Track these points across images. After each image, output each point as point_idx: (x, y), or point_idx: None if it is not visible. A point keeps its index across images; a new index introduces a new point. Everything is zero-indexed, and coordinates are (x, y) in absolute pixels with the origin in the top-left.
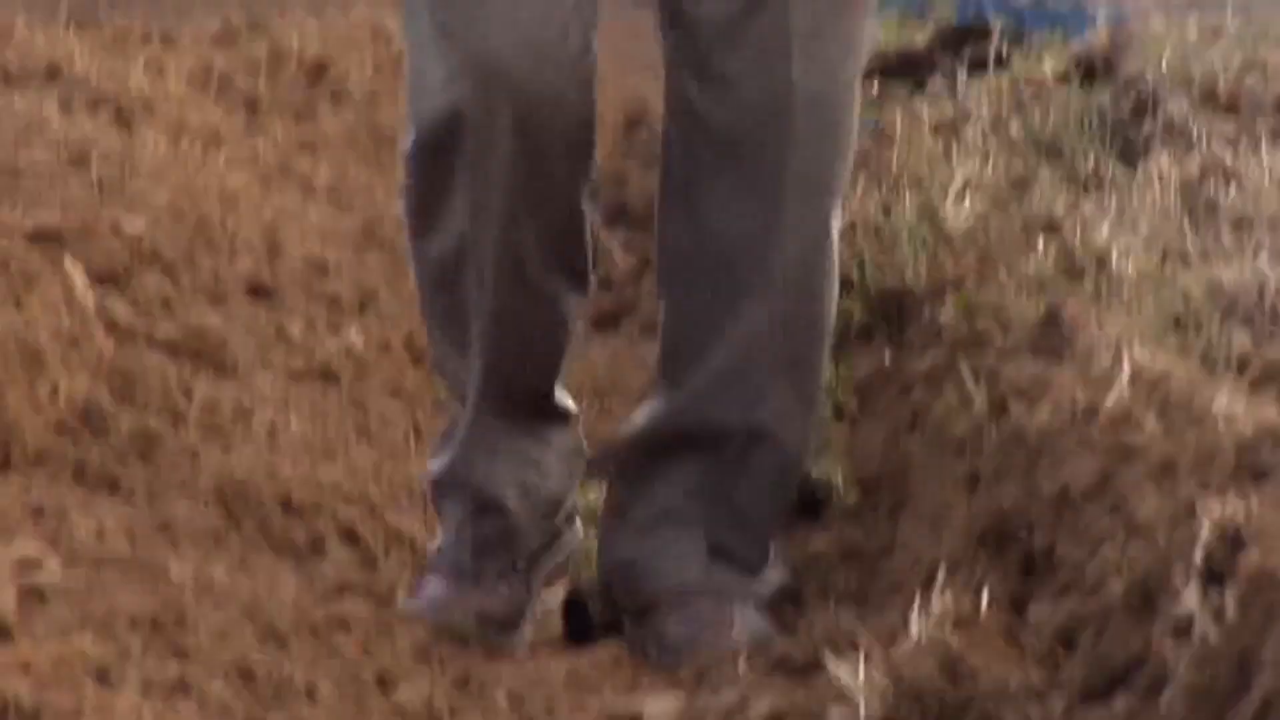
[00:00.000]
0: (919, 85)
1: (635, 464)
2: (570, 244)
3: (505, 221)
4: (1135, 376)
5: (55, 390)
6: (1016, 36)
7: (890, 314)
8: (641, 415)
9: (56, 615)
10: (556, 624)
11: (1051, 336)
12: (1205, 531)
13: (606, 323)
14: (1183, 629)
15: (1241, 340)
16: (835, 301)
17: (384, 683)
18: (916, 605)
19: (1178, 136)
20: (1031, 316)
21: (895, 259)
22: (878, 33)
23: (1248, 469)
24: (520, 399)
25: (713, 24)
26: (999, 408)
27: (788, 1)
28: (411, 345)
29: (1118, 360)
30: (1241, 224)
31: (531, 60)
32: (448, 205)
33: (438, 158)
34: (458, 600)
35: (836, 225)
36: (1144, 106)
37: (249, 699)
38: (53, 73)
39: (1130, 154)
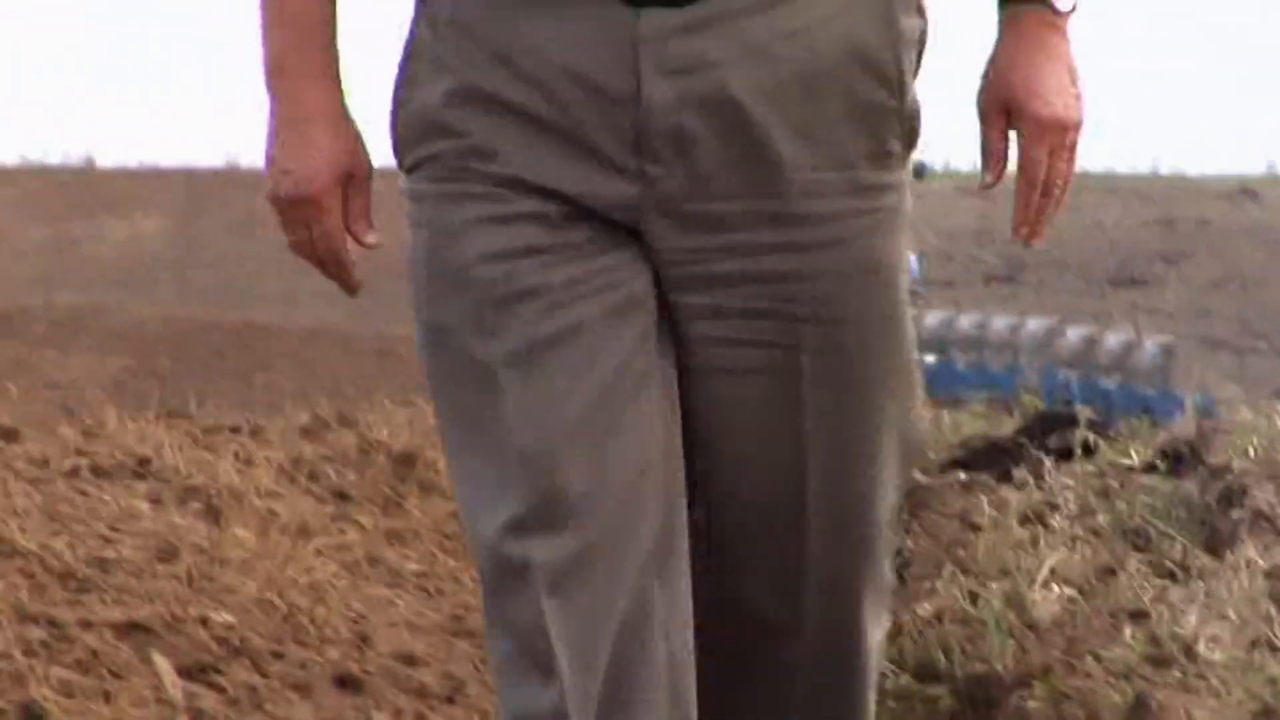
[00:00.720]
0: (1006, 474)
1: None
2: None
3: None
4: None
5: None
6: (1102, 425)
7: (978, 701)
8: None
9: None
10: None
11: None
12: None
13: None
14: None
15: None
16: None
17: None
18: None
19: (1265, 525)
20: (1120, 705)
21: (983, 646)
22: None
23: None
24: None
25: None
26: None
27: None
28: None
29: None
30: None
31: (609, 502)
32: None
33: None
34: None
35: (873, 625)
36: (1231, 496)
37: None
38: (143, 465)
39: (1217, 543)
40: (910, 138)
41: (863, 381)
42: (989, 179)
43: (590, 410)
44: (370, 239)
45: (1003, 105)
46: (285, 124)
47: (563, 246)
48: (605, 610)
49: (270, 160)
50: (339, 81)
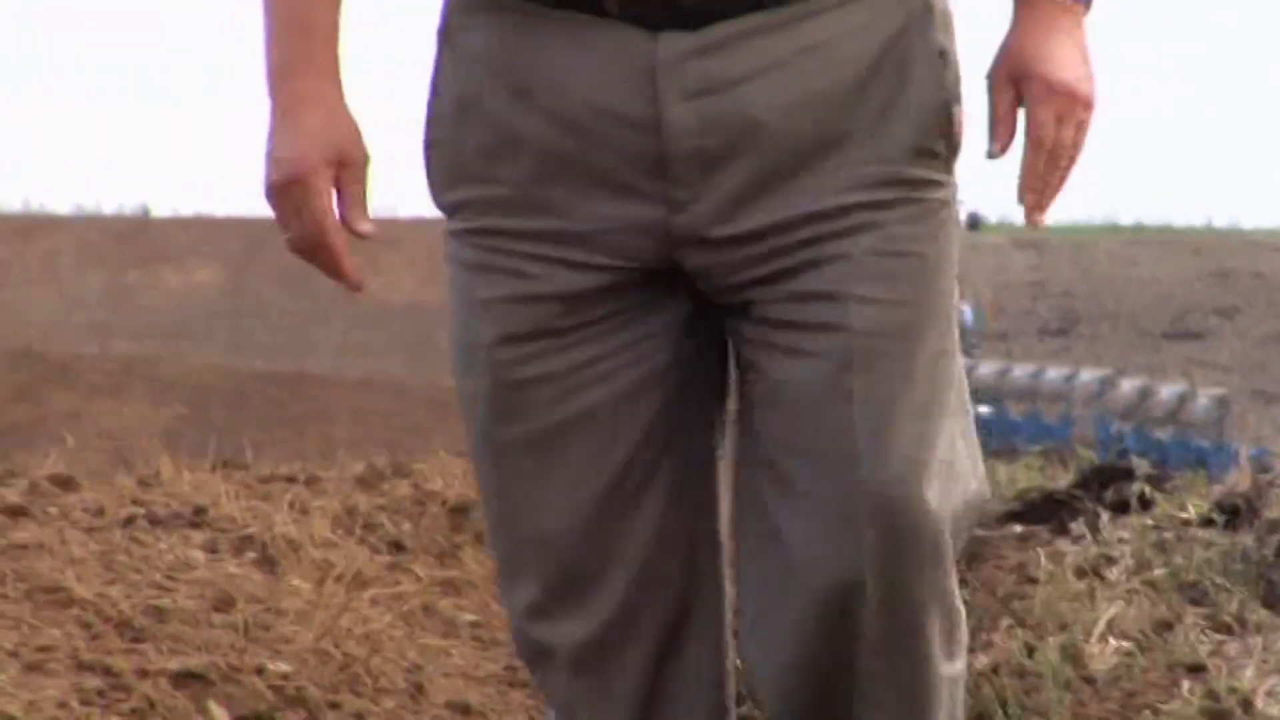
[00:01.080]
0: (1062, 527)
1: None
2: None
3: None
4: None
5: None
6: (1158, 478)
7: None
8: None
9: None
10: None
11: None
12: None
13: None
14: None
15: None
16: None
17: None
18: None
19: None
20: None
21: (1039, 700)
22: (1017, 475)
23: None
24: None
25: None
26: None
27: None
28: None
29: None
30: None
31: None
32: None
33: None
34: None
35: (942, 652)
36: None
37: None
38: (198, 514)
39: (1274, 596)
40: (954, 141)
41: (911, 372)
42: (996, 147)
43: (604, 494)
44: (364, 227)
45: (1011, 74)
46: (281, 119)
47: (581, 326)
48: (629, 684)
49: (267, 156)
50: (338, 79)
